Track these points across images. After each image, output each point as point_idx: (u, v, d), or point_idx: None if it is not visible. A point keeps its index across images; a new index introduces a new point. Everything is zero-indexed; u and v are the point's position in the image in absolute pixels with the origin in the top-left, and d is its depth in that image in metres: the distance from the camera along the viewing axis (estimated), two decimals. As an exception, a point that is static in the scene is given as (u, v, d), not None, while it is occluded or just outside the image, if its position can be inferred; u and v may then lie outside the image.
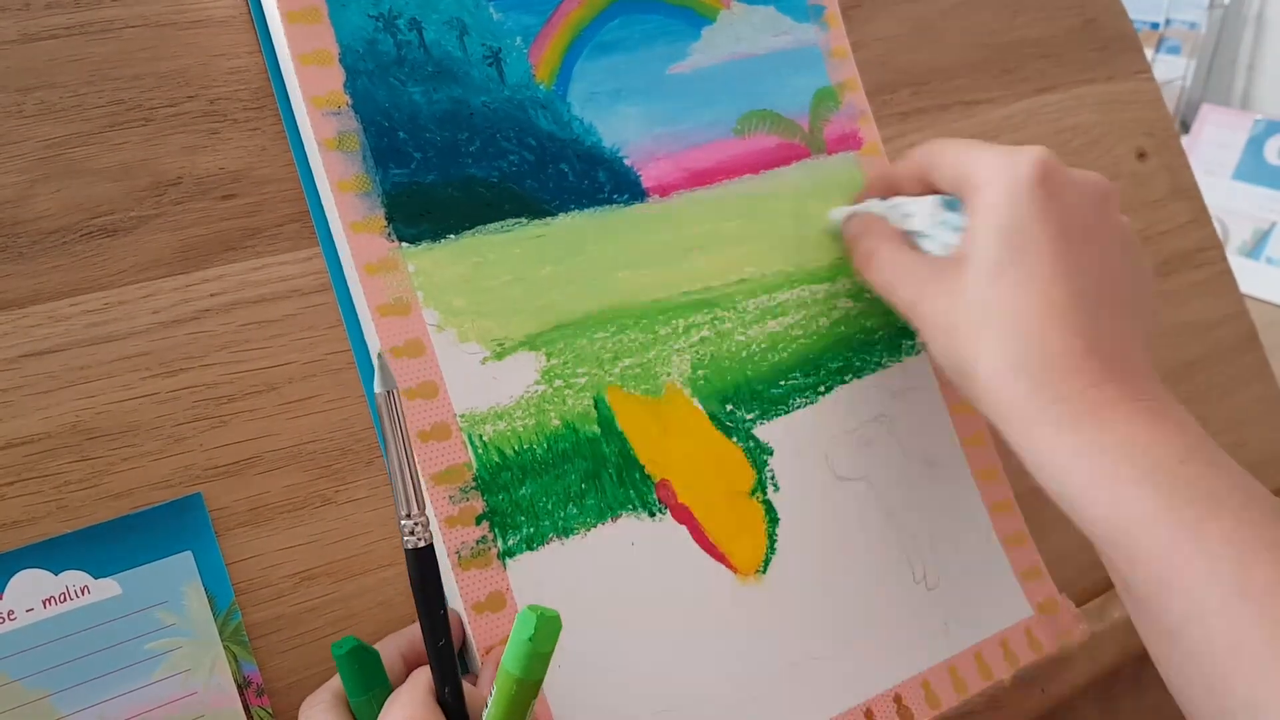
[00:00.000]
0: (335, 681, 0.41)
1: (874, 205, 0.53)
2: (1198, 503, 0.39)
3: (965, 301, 0.45)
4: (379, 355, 0.39)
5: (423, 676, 0.40)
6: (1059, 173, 0.46)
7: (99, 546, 0.41)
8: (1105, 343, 0.44)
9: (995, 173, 0.46)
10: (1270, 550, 0.38)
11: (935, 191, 0.51)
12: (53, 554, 0.40)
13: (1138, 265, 0.48)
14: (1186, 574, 0.39)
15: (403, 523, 0.39)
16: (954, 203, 0.49)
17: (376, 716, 0.40)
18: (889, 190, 0.54)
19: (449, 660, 0.39)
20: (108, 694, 0.40)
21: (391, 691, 0.40)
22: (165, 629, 0.41)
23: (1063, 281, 0.44)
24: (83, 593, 0.40)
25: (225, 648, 0.42)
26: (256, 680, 0.42)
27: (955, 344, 0.46)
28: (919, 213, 0.51)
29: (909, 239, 0.51)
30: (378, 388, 0.38)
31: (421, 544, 0.39)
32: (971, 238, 0.46)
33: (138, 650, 0.41)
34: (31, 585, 0.40)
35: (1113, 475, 0.41)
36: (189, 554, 0.42)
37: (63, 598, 0.40)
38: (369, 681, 0.40)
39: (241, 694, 0.42)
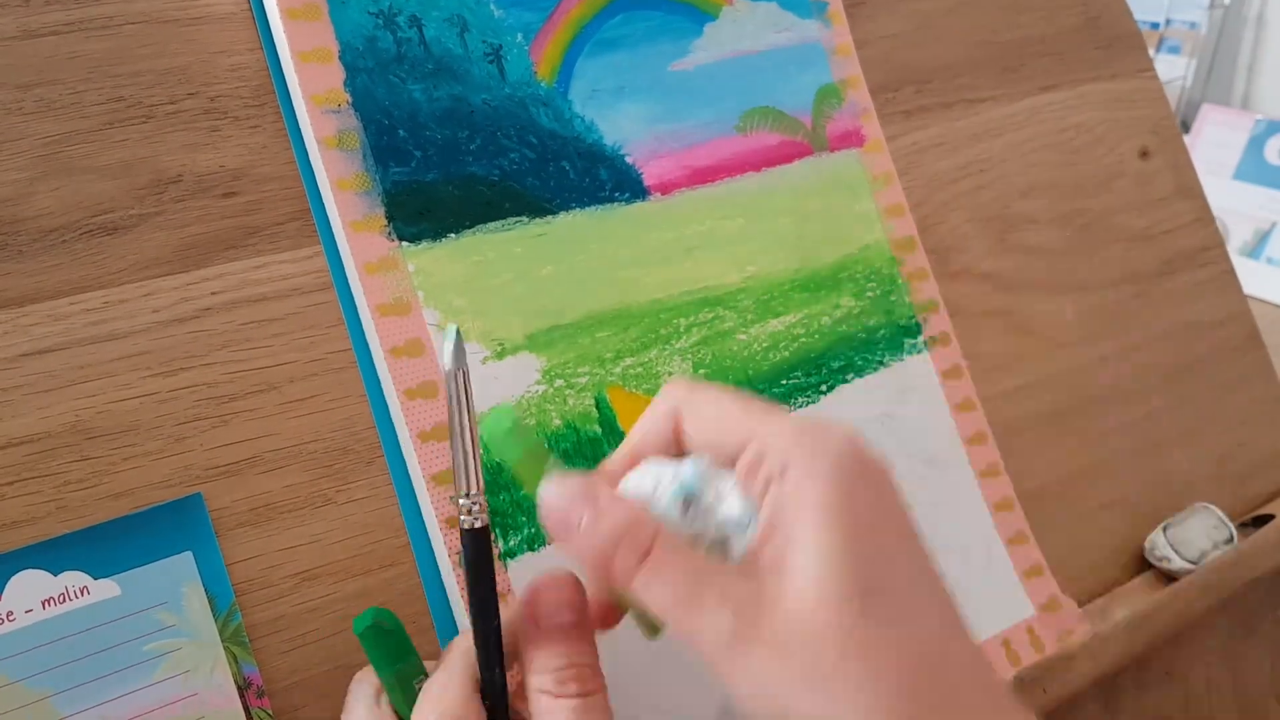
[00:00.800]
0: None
1: (632, 484, 0.37)
2: None
3: (817, 638, 0.32)
4: (455, 330, 0.36)
5: (459, 662, 0.37)
6: (866, 453, 0.35)
7: (99, 547, 0.40)
8: (972, 662, 0.35)
9: (813, 462, 0.34)
10: None
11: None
12: (52, 555, 0.40)
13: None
14: None
15: (460, 501, 0.37)
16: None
17: (405, 690, 0.39)
18: (632, 462, 0.38)
19: (496, 644, 0.38)
20: (108, 695, 0.40)
21: (417, 662, 0.39)
22: (165, 630, 0.41)
23: (930, 600, 0.35)
24: (82, 593, 0.40)
25: (225, 648, 0.42)
26: (257, 681, 0.42)
27: (806, 701, 0.32)
28: (701, 492, 0.36)
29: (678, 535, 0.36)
30: (446, 364, 0.36)
31: (478, 524, 0.37)
32: (797, 552, 0.33)
33: (138, 651, 0.40)
34: (31, 586, 0.39)
35: None
36: (189, 554, 0.42)
37: (62, 598, 0.40)
38: (394, 655, 0.39)
39: (242, 695, 0.42)
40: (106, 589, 0.40)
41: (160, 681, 0.41)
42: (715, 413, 0.37)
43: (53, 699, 0.39)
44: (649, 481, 0.37)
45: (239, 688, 0.42)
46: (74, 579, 0.40)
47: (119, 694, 0.40)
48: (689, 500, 0.36)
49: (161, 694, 0.41)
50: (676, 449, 0.38)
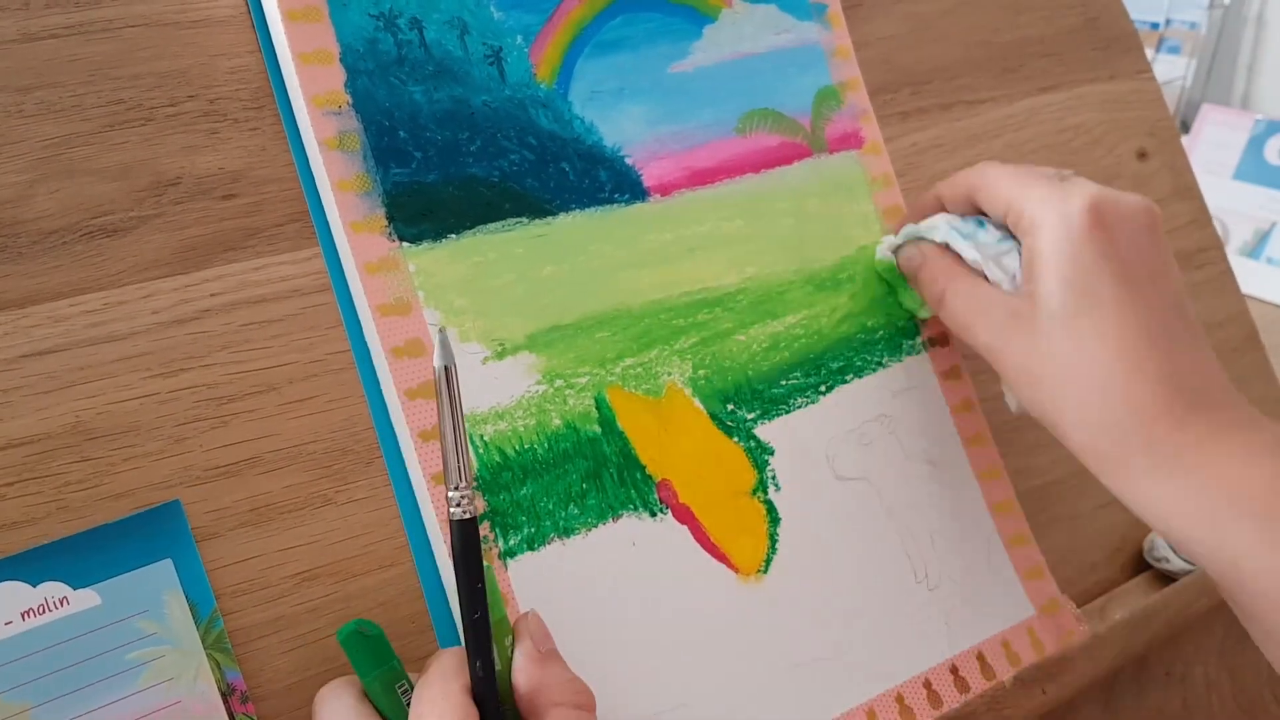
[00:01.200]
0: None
1: (932, 229, 0.53)
2: None
3: (1043, 353, 0.46)
4: (440, 330, 0.40)
5: (451, 664, 0.40)
6: (1112, 210, 0.46)
7: (77, 557, 0.40)
8: (1184, 379, 0.45)
9: (1050, 215, 0.46)
10: None
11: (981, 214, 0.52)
12: (30, 565, 0.40)
13: (1184, 287, 0.48)
14: None
15: (450, 494, 0.39)
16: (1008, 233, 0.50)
17: (389, 695, 0.40)
18: (933, 212, 0.54)
19: (484, 634, 0.40)
20: (91, 705, 0.40)
21: (399, 668, 0.40)
22: (147, 638, 0.41)
23: (1134, 326, 0.45)
24: (61, 604, 0.40)
25: (208, 655, 0.41)
26: (241, 687, 0.42)
27: (1040, 396, 0.47)
28: (979, 239, 0.51)
29: (974, 267, 0.51)
30: (436, 362, 0.39)
31: (467, 515, 0.39)
32: (1035, 282, 0.47)
33: (119, 660, 0.40)
34: (9, 598, 0.39)
35: (1211, 515, 0.42)
36: (168, 562, 0.41)
37: (41, 609, 0.39)
38: (377, 659, 0.40)
39: (226, 701, 0.41)
40: (86, 599, 0.40)
41: (143, 690, 0.40)
42: (999, 178, 0.50)
43: (33, 711, 0.39)
44: (949, 227, 0.52)
45: (222, 694, 0.41)
46: (53, 589, 0.40)
47: (101, 704, 0.40)
48: (970, 237, 0.51)
49: (144, 703, 0.40)
50: (968, 201, 0.52)
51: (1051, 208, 0.47)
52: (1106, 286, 0.45)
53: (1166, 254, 0.48)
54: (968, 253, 0.51)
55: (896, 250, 0.54)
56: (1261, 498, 0.42)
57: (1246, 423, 0.45)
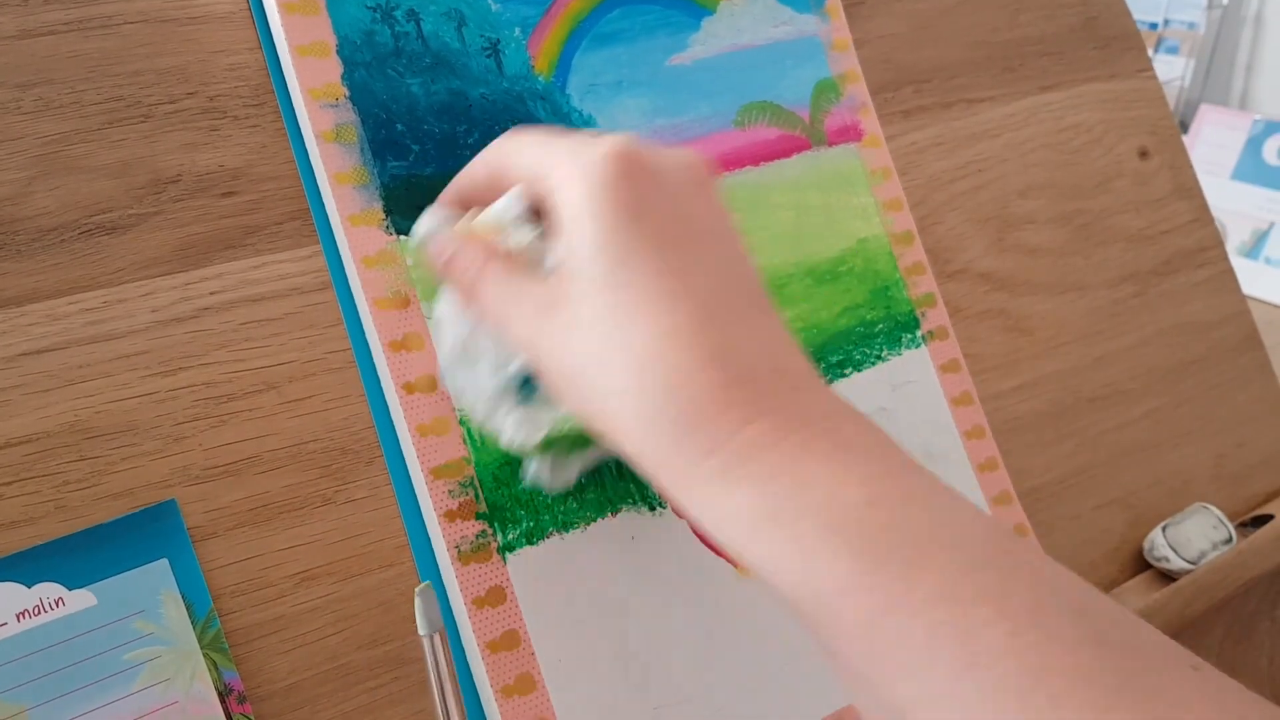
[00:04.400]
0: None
1: (462, 220, 0.43)
2: (897, 556, 0.31)
3: (579, 343, 0.37)
4: (420, 591, 0.38)
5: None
6: (642, 161, 0.37)
7: (73, 557, 0.40)
8: (748, 360, 0.35)
9: (571, 169, 0.37)
10: (992, 602, 0.30)
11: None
12: (26, 566, 0.39)
13: (747, 253, 0.40)
14: (902, 651, 0.31)
15: None
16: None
17: None
18: (463, 205, 0.43)
19: None
20: (87, 706, 0.39)
21: None
22: (143, 638, 0.40)
23: (678, 298, 0.36)
24: (57, 604, 0.39)
25: (205, 655, 0.41)
26: (238, 687, 0.42)
27: (582, 395, 0.37)
28: (504, 220, 0.41)
29: (514, 256, 0.41)
30: (421, 630, 0.38)
31: None
32: (565, 255, 0.37)
33: (116, 661, 0.40)
34: (5, 599, 0.39)
35: (794, 537, 0.32)
36: (164, 562, 0.41)
37: (37, 610, 0.39)
38: None
39: (223, 701, 0.41)
40: (82, 599, 0.40)
41: (140, 691, 0.40)
42: (520, 150, 0.41)
43: (30, 712, 0.39)
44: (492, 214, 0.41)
45: (219, 694, 0.41)
46: (49, 590, 0.40)
47: (98, 705, 0.40)
48: (500, 224, 0.41)
49: (141, 703, 0.40)
50: (497, 188, 0.41)
51: (573, 159, 0.38)
52: (641, 253, 0.36)
53: (719, 212, 0.39)
54: (504, 240, 0.41)
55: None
56: (853, 516, 0.32)
57: (830, 419, 0.35)
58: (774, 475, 0.33)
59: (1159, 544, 0.61)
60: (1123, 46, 0.71)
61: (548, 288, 0.38)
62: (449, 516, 0.44)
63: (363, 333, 0.46)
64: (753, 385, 0.35)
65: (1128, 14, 0.72)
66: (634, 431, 0.35)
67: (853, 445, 0.34)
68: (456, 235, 0.41)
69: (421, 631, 0.38)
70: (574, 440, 0.44)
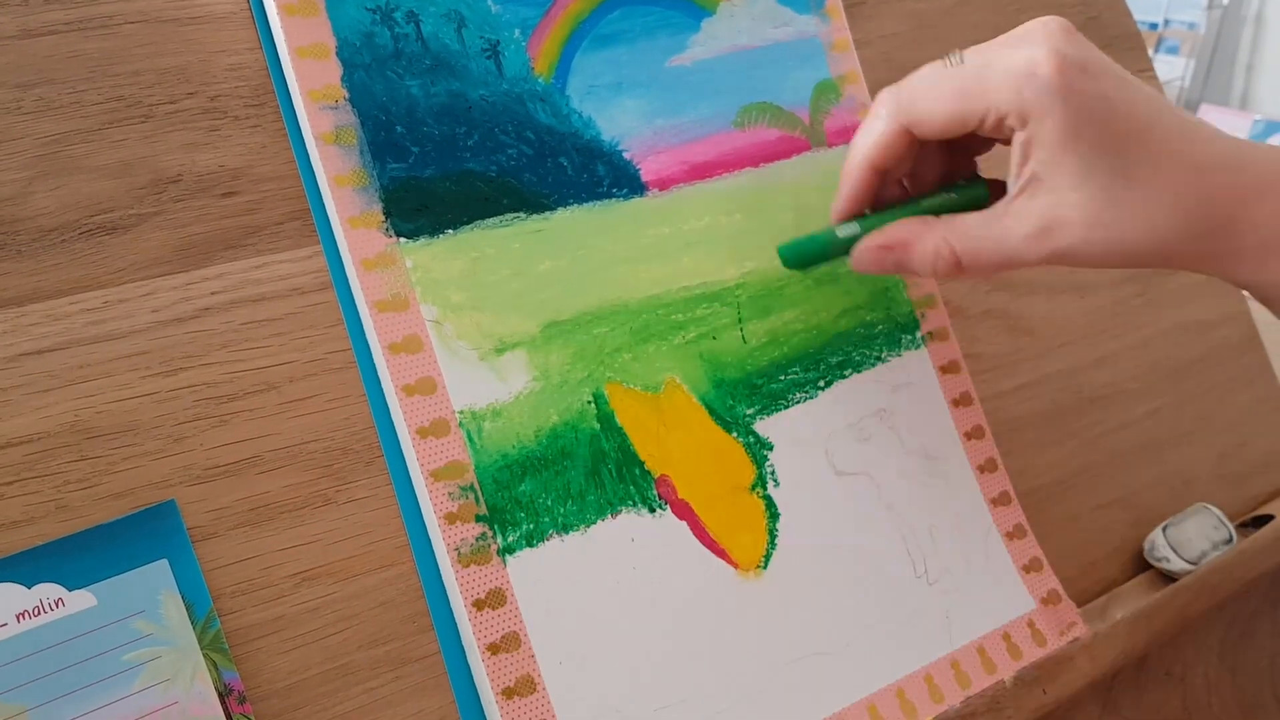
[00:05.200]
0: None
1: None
2: None
3: (1107, 222, 0.43)
4: None
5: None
6: (1078, 44, 0.44)
7: (72, 558, 0.40)
8: (1233, 158, 0.44)
9: (1039, 106, 0.43)
10: None
11: (925, 151, 0.50)
12: (25, 567, 0.39)
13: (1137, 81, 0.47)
14: None
15: None
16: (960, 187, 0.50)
17: None
18: (878, 177, 0.50)
19: None
20: (87, 707, 0.39)
21: None
22: (143, 639, 0.40)
23: (1175, 139, 0.43)
24: (57, 605, 0.39)
25: (205, 655, 0.41)
26: (238, 688, 0.42)
27: (1123, 249, 0.44)
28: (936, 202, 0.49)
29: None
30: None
31: None
32: (1056, 173, 0.44)
33: (116, 662, 0.40)
34: (4, 600, 0.39)
35: None
36: (164, 562, 0.41)
37: (37, 611, 0.39)
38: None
39: (223, 701, 0.41)
40: (82, 600, 0.40)
41: (140, 691, 0.40)
42: (941, 108, 0.46)
43: (30, 713, 0.38)
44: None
45: (220, 695, 0.41)
46: (49, 591, 0.39)
47: (98, 706, 0.39)
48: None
49: (141, 704, 0.40)
50: (904, 142, 0.48)
51: (1024, 87, 0.44)
52: (1119, 110, 0.43)
53: (1107, 59, 0.46)
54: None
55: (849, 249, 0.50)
56: None
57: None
58: None
59: (1159, 544, 0.61)
60: (1123, 46, 0.71)
61: (1035, 213, 0.45)
62: (449, 519, 0.44)
63: (363, 335, 0.46)
64: (1250, 172, 0.44)
65: (1128, 14, 0.72)
66: (1183, 253, 0.44)
67: None
68: (895, 226, 0.48)
69: None
70: None
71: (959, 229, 0.47)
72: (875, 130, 0.48)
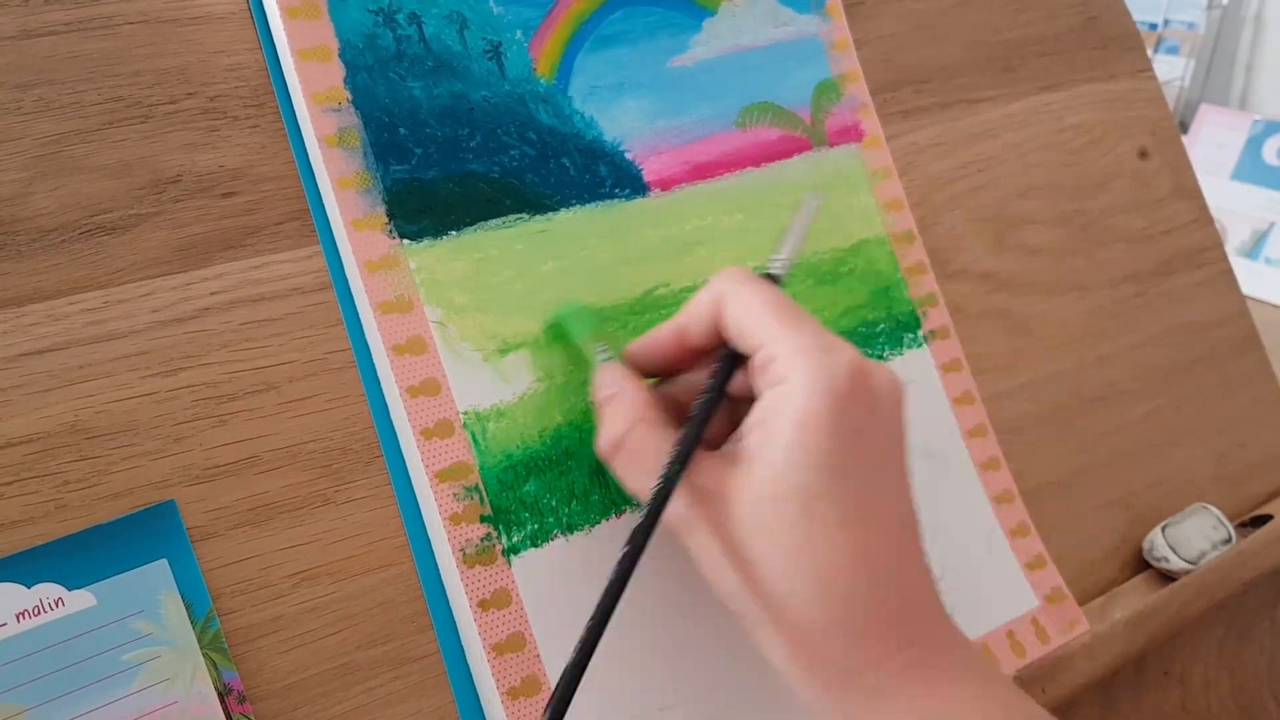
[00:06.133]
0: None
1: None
2: None
3: (768, 536, 0.39)
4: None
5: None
6: (868, 380, 0.40)
7: (72, 557, 0.40)
8: (912, 587, 0.40)
9: (809, 376, 0.39)
10: None
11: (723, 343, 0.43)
12: (25, 567, 0.39)
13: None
14: None
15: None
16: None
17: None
18: (671, 350, 0.45)
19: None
20: (87, 706, 0.39)
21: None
22: (143, 639, 0.40)
23: (874, 520, 0.39)
24: (57, 605, 0.39)
25: (204, 655, 0.41)
26: (238, 687, 0.42)
27: (752, 583, 0.40)
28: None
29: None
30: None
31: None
32: (772, 449, 0.39)
33: (115, 661, 0.40)
34: (4, 599, 0.39)
35: None
36: (164, 562, 0.41)
37: (36, 611, 0.39)
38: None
39: (223, 701, 0.41)
40: (82, 599, 0.40)
41: (139, 691, 0.40)
42: (750, 310, 0.42)
43: (29, 713, 0.38)
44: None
45: (219, 694, 0.41)
46: (48, 591, 0.39)
47: (97, 705, 0.39)
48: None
49: (141, 704, 0.40)
50: (715, 333, 0.43)
51: (812, 368, 0.39)
52: (856, 472, 0.39)
53: (902, 436, 0.42)
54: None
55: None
56: None
57: (958, 642, 0.41)
58: (925, 693, 0.38)
59: (1159, 544, 0.61)
60: (1123, 47, 0.71)
61: (721, 470, 0.40)
62: (454, 519, 0.44)
63: (363, 335, 0.46)
64: (915, 610, 0.40)
65: (1128, 14, 0.72)
66: (807, 633, 0.39)
67: (977, 671, 0.40)
68: (627, 379, 0.44)
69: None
70: None
71: (652, 425, 0.42)
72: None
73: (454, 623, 0.45)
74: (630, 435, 0.42)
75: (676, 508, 0.41)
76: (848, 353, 0.40)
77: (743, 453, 0.40)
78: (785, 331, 0.40)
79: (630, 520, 0.47)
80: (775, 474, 0.39)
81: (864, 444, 0.39)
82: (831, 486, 0.38)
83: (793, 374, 0.39)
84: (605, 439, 0.43)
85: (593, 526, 0.47)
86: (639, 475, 0.42)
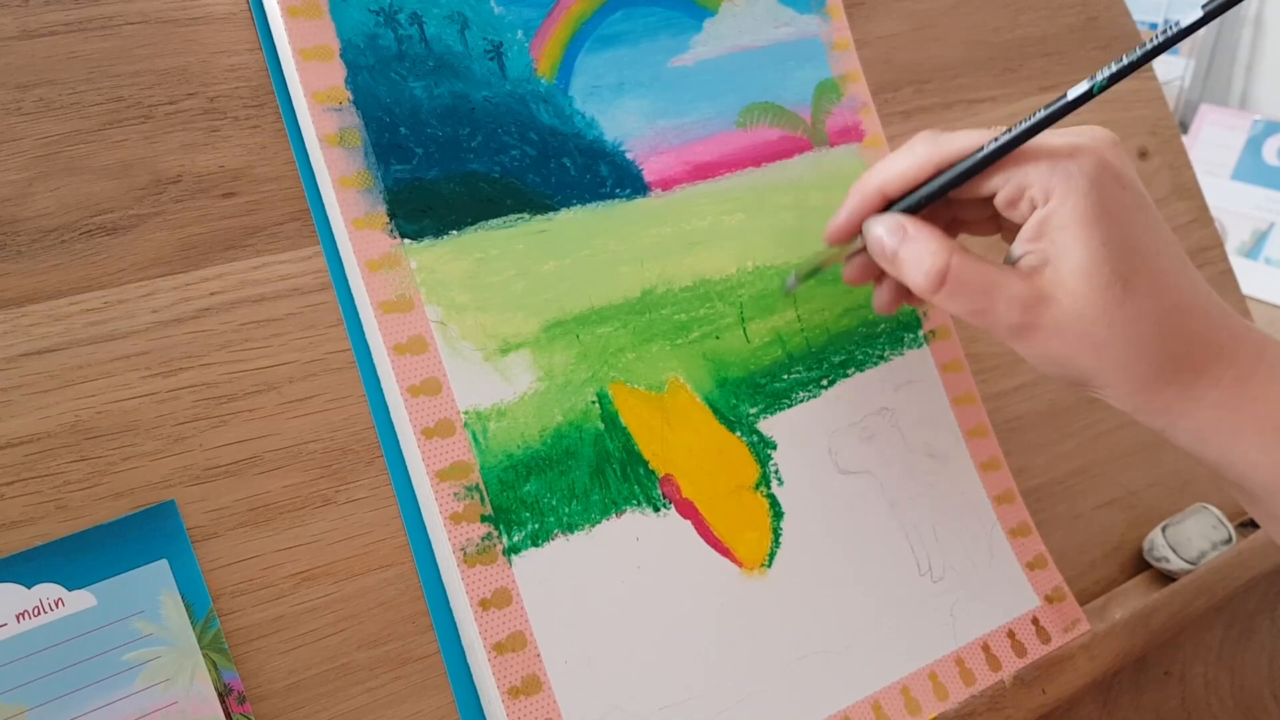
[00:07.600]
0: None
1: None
2: None
3: (1087, 320, 0.44)
4: None
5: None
6: (1122, 158, 0.45)
7: (72, 558, 0.40)
8: (1216, 314, 0.45)
9: (1068, 187, 0.44)
10: None
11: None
12: (25, 567, 0.39)
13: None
14: None
15: None
16: None
17: None
18: (884, 204, 0.48)
19: None
20: (87, 707, 0.39)
21: None
22: (143, 639, 0.40)
23: (1175, 273, 0.45)
24: (57, 605, 0.39)
25: (205, 655, 0.41)
26: (238, 687, 0.42)
27: (1083, 363, 0.45)
28: None
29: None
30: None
31: None
32: (1072, 249, 0.44)
33: (116, 661, 0.40)
34: (4, 600, 0.39)
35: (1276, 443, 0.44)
36: (164, 562, 0.41)
37: (37, 611, 0.39)
38: None
39: (223, 701, 0.41)
40: (82, 600, 0.40)
41: (139, 691, 0.40)
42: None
43: (30, 713, 0.38)
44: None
45: (219, 694, 0.41)
46: (48, 591, 0.39)
47: (97, 705, 0.39)
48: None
49: (141, 704, 0.40)
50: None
51: (1067, 178, 0.44)
52: (1144, 241, 0.44)
53: (1144, 193, 0.46)
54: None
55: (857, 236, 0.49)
56: None
57: (1264, 340, 0.46)
58: (1257, 398, 0.44)
59: (1159, 544, 0.61)
60: (1123, 47, 0.71)
61: (1031, 287, 0.45)
62: (455, 519, 0.44)
63: (363, 335, 0.46)
64: (1226, 332, 0.45)
65: (1127, 14, 0.72)
66: (1144, 385, 0.45)
67: None
68: (907, 219, 0.47)
69: None
70: None
71: (964, 254, 0.46)
72: (902, 159, 0.47)
73: (454, 622, 0.45)
74: (952, 265, 0.45)
75: (1010, 317, 0.45)
76: (1089, 150, 0.44)
77: (1045, 264, 0.45)
78: (1023, 159, 0.45)
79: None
80: (1091, 268, 0.43)
81: (1132, 226, 0.44)
82: (1133, 259, 0.44)
83: (1053, 190, 0.44)
84: (926, 274, 0.46)
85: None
86: (967, 299, 0.46)
